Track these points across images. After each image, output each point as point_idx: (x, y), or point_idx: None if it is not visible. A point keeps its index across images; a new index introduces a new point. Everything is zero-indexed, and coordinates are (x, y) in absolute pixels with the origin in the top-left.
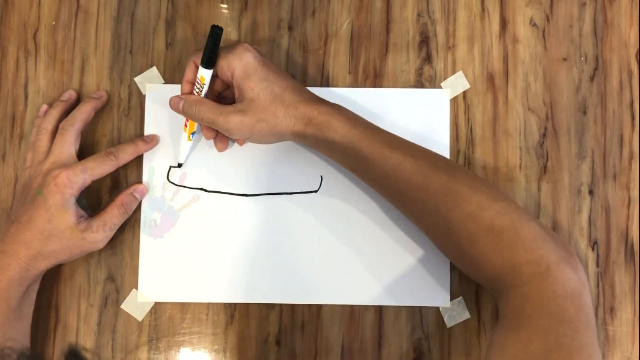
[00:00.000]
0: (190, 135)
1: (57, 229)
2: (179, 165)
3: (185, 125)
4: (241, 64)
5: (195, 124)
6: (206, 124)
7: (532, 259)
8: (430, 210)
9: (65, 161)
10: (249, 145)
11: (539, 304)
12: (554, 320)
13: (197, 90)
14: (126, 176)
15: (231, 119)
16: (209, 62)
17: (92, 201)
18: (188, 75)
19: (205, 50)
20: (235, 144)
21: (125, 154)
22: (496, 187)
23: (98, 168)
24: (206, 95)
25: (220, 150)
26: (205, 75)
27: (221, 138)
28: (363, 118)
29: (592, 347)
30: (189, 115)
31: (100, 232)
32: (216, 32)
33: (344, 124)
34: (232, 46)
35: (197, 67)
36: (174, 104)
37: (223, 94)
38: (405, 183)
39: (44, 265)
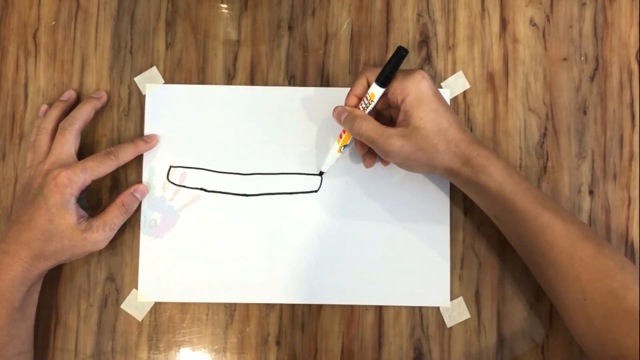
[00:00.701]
0: (342, 147)
1: (57, 229)
2: (321, 174)
3: (340, 137)
4: (416, 91)
5: (350, 138)
6: (365, 140)
7: None
8: (569, 278)
9: (65, 161)
10: (249, 146)
11: None
12: None
13: (363, 105)
14: (126, 176)
15: (392, 142)
16: (386, 81)
17: (92, 201)
18: (357, 89)
19: (385, 69)
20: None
21: (125, 154)
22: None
23: (98, 168)
24: (369, 113)
25: (367, 166)
26: (376, 92)
27: (371, 155)
28: (516, 170)
29: None
30: (349, 128)
31: (100, 232)
32: (402, 53)
33: (500, 171)
34: (410, 71)
35: (368, 83)
36: (337, 113)
37: (381, 112)
38: (550, 245)
39: (45, 265)
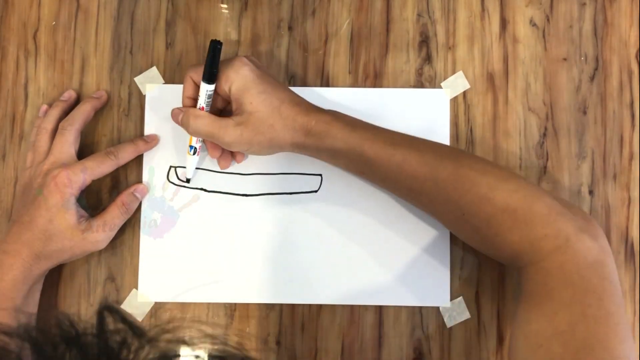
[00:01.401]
0: (190, 149)
1: (58, 229)
2: (187, 181)
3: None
4: (239, 78)
5: (195, 139)
6: (205, 137)
7: (550, 232)
8: (442, 200)
9: (65, 161)
10: None
11: (561, 277)
12: (577, 291)
13: (203, 105)
14: (126, 176)
15: (230, 132)
16: (211, 77)
17: (92, 201)
18: (187, 91)
19: (206, 65)
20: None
21: (126, 154)
22: (504, 166)
23: (98, 168)
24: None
25: (222, 167)
26: (208, 90)
27: (225, 156)
28: (362, 120)
29: (618, 315)
30: (187, 128)
31: (100, 232)
32: (216, 46)
33: (342, 129)
34: (230, 60)
35: (195, 83)
36: (174, 116)
37: (226, 110)
38: (412, 178)
39: (46, 265)
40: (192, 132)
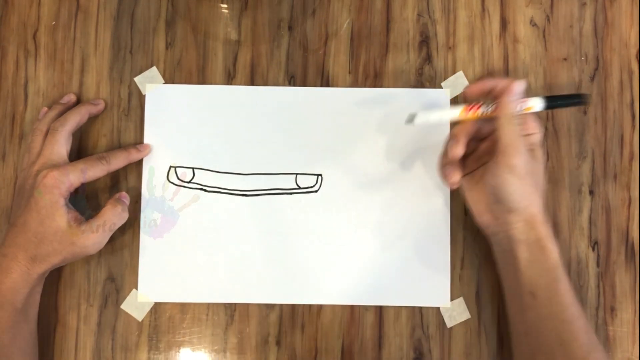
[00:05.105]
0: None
1: (47, 231)
2: (411, 119)
3: (470, 108)
4: (525, 158)
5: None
6: (502, 132)
7: None
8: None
9: (55, 162)
10: (249, 146)
11: None
12: None
13: (481, 110)
14: (126, 176)
15: (523, 155)
16: (549, 107)
17: (93, 203)
18: (486, 84)
19: (560, 99)
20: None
21: (117, 160)
22: None
23: (88, 171)
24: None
25: (450, 180)
26: (536, 107)
27: (457, 167)
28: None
29: None
30: (444, 155)
31: (90, 236)
32: (583, 101)
33: (553, 252)
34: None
35: (493, 88)
36: (453, 142)
37: (469, 143)
38: (574, 336)
39: (41, 268)
40: (509, 114)
